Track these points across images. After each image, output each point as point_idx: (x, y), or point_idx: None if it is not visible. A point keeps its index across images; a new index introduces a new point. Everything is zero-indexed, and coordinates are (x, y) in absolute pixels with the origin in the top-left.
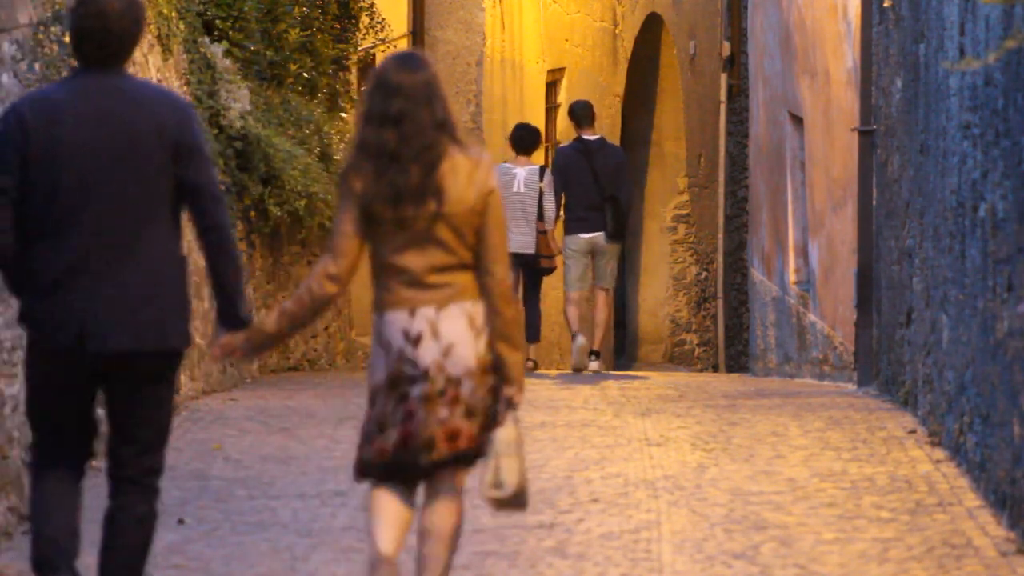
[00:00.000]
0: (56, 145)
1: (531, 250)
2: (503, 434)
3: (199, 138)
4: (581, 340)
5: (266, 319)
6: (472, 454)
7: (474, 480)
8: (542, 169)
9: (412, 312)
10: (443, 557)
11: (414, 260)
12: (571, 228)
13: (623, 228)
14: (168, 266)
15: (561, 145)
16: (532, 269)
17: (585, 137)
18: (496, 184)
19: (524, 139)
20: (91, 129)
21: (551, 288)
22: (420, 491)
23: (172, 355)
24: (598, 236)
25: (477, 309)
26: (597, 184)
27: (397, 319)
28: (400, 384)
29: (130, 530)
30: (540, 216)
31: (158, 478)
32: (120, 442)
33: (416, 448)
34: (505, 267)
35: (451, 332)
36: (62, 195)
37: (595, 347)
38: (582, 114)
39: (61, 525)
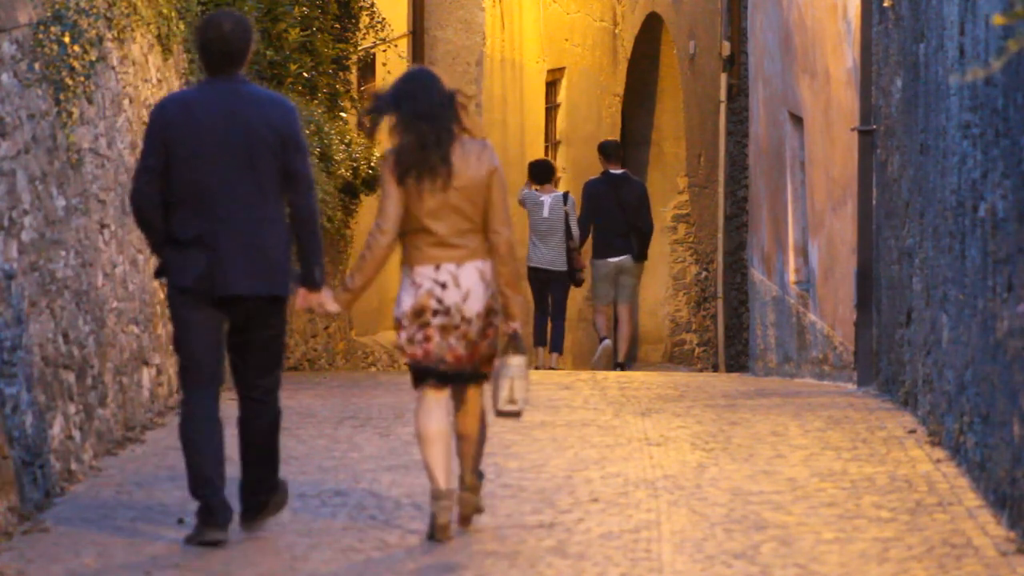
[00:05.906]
0: (190, 134)
1: (563, 267)
2: (515, 360)
3: (300, 133)
4: (607, 343)
5: (345, 281)
6: (473, 372)
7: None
8: (565, 195)
9: (437, 267)
10: (472, 451)
11: (440, 225)
12: (600, 252)
13: (645, 251)
14: (276, 231)
15: (591, 179)
16: (562, 284)
17: (612, 171)
18: (498, 163)
19: (542, 173)
20: (217, 122)
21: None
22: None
23: (277, 300)
24: (625, 259)
25: (486, 266)
26: (623, 213)
27: (425, 272)
28: (423, 314)
29: (260, 431)
30: (569, 235)
31: (277, 394)
32: (242, 367)
33: (433, 360)
34: (510, 228)
35: (468, 282)
36: (195, 174)
37: (620, 359)
38: (611, 151)
39: (208, 451)
